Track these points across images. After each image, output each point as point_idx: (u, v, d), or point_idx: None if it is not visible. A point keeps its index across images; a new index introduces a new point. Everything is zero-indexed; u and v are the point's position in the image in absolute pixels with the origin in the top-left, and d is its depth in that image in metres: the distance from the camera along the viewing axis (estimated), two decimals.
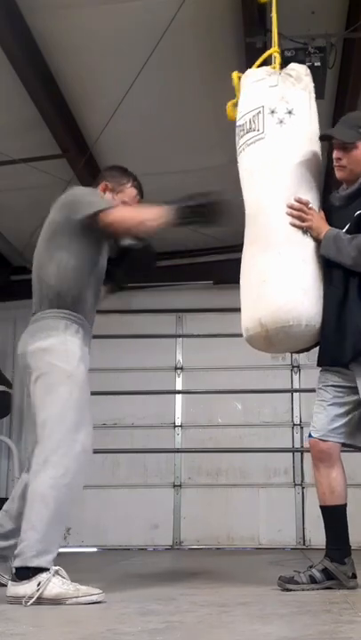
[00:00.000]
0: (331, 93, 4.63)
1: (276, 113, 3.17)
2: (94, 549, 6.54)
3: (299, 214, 3.11)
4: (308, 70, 3.36)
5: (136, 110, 4.73)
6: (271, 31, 3.55)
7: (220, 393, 6.89)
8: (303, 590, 2.96)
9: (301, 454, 6.74)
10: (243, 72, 3.42)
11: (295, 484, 6.74)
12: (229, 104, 3.39)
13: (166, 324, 7.20)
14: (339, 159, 3.18)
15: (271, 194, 3.16)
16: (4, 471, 7.19)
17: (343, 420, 3.12)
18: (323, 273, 3.13)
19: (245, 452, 6.80)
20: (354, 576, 3.06)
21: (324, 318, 3.09)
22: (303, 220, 3.10)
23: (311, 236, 3.12)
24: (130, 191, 3.27)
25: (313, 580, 3.02)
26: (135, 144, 5.20)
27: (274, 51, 3.45)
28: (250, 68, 3.44)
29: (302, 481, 6.70)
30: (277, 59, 3.42)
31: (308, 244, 3.13)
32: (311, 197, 3.17)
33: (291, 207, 3.11)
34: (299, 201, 3.12)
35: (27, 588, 2.71)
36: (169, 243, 5.91)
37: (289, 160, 3.16)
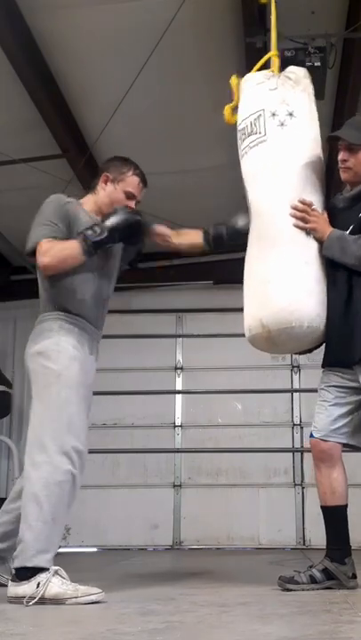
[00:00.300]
0: (331, 93, 4.63)
1: (277, 115, 3.17)
2: (94, 549, 6.54)
3: (303, 215, 3.10)
4: (307, 72, 3.36)
5: (136, 110, 4.73)
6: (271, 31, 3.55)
7: (220, 393, 6.89)
8: (303, 590, 2.96)
9: (301, 454, 6.74)
10: (243, 73, 3.42)
11: (295, 484, 6.74)
12: (227, 107, 3.37)
13: (166, 324, 7.20)
14: (345, 161, 3.17)
15: (275, 195, 3.16)
16: (3, 471, 7.19)
17: (345, 420, 3.12)
18: (326, 275, 3.13)
19: (245, 452, 6.80)
20: (354, 576, 3.06)
21: (329, 319, 3.08)
22: (307, 222, 3.10)
23: (315, 237, 3.12)
24: (132, 179, 3.20)
25: (313, 579, 3.02)
26: (135, 144, 5.18)
27: (273, 54, 3.45)
28: (250, 68, 3.45)
29: (302, 481, 6.70)
30: (276, 62, 3.42)
31: (312, 245, 3.13)
32: (314, 199, 3.17)
33: (295, 208, 3.10)
34: (303, 202, 3.11)
35: (26, 588, 2.72)
36: None
37: (292, 162, 3.16)
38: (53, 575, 2.73)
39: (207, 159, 5.42)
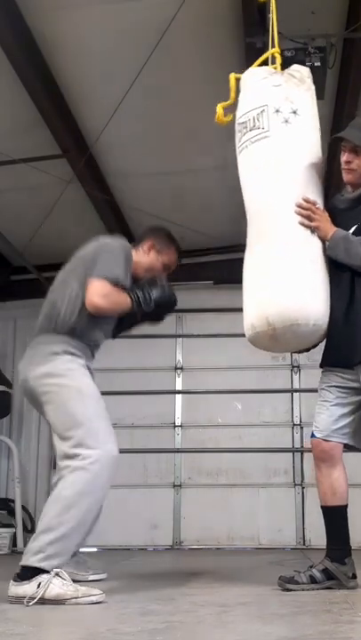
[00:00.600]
0: (331, 93, 4.63)
1: (281, 112, 3.14)
2: (94, 549, 6.53)
3: (308, 214, 3.09)
4: (310, 73, 3.35)
5: (136, 110, 4.73)
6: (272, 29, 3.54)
7: (220, 393, 6.88)
8: (303, 590, 2.96)
9: (301, 454, 6.74)
10: (243, 73, 3.41)
11: (295, 484, 6.74)
12: (219, 106, 3.34)
13: (166, 323, 7.10)
14: (349, 162, 3.16)
15: (277, 192, 3.13)
16: (4, 471, 7.18)
17: (347, 421, 3.12)
18: (329, 274, 3.13)
19: (245, 452, 6.80)
20: (354, 576, 3.06)
21: (331, 319, 3.08)
22: (312, 220, 3.09)
23: (318, 236, 3.12)
24: (173, 257, 3.56)
25: (313, 579, 3.03)
26: (135, 144, 5.20)
27: (275, 51, 3.44)
28: (250, 67, 3.43)
29: (302, 481, 6.70)
30: (278, 59, 3.41)
31: (316, 243, 3.12)
32: (317, 198, 3.16)
33: (300, 206, 3.09)
34: (307, 200, 3.10)
35: (27, 588, 2.72)
36: None
37: (296, 159, 3.15)
38: (54, 576, 2.74)
39: (207, 159, 5.42)
